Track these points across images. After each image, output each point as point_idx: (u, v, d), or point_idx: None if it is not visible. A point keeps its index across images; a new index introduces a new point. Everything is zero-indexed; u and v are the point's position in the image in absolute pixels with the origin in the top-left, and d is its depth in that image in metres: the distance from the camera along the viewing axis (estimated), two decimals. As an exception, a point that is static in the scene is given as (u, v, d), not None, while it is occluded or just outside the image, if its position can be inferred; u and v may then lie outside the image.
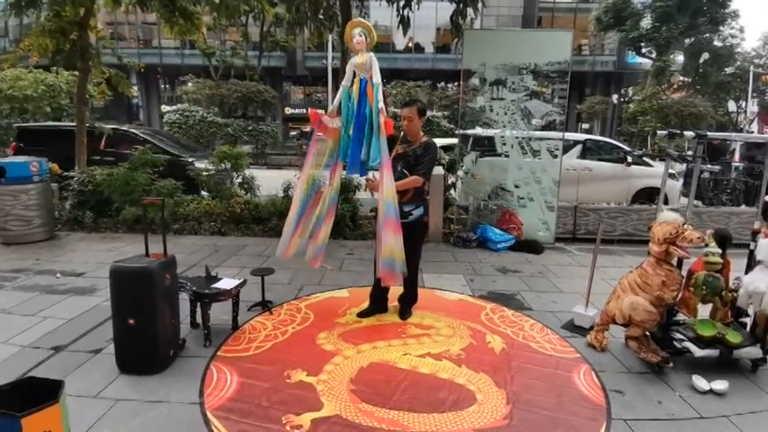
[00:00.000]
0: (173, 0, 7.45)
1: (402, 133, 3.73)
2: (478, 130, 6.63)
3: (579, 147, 8.60)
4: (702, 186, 9.17)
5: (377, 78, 3.44)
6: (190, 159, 8.23)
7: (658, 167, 8.20)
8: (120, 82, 8.53)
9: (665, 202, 5.14)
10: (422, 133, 3.72)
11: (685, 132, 3.47)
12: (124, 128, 9.45)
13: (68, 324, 3.51)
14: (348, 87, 3.57)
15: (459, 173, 6.86)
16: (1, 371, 2.78)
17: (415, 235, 3.74)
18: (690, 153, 3.51)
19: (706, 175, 9.08)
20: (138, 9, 7.67)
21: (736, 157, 11.08)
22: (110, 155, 8.17)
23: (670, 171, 3.95)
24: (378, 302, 3.86)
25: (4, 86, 16.12)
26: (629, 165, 8.29)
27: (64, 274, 4.65)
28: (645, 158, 8.75)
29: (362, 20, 3.60)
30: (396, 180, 3.55)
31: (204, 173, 7.28)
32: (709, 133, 3.49)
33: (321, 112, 3.87)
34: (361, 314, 3.82)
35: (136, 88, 29.30)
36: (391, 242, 3.34)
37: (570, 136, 8.50)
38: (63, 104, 17.38)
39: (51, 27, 7.14)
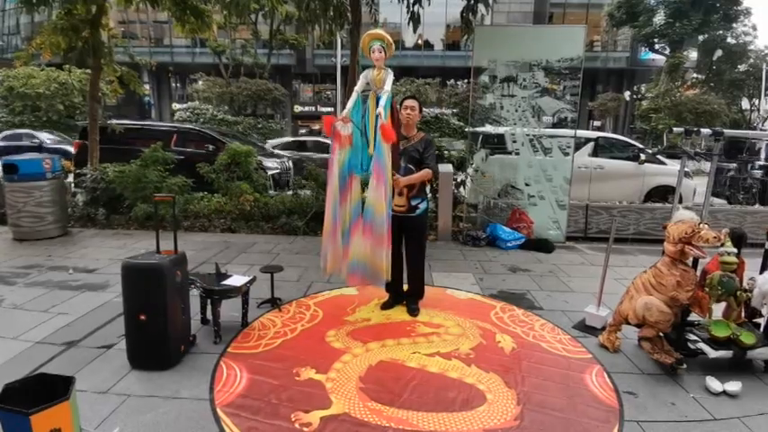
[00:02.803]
0: (184, -2, 7.48)
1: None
2: (488, 128, 6.58)
3: (591, 144, 8.51)
4: (718, 184, 9.04)
5: (386, 87, 3.45)
6: (258, 158, 8.07)
7: (672, 165, 8.09)
8: (131, 80, 8.58)
9: (680, 201, 5.06)
10: (416, 129, 3.73)
11: (702, 130, 3.42)
12: (197, 128, 9.77)
13: (80, 320, 3.54)
14: (360, 93, 3.55)
15: (469, 171, 6.81)
16: (13, 366, 2.81)
17: (420, 228, 3.77)
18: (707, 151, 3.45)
19: (731, 172, 8.95)
20: (150, 7, 7.71)
21: (762, 156, 10.79)
22: (179, 153, 7.83)
23: (685, 169, 3.87)
24: (397, 294, 3.88)
25: (17, 84, 16.32)
26: (642, 163, 8.19)
27: (76, 270, 4.70)
28: (659, 156, 8.64)
29: (383, 32, 3.54)
30: (402, 175, 3.58)
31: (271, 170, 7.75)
32: (725, 131, 3.44)
33: (334, 116, 3.77)
34: (384, 306, 3.86)
35: (147, 86, 29.56)
36: (361, 247, 3.39)
37: (582, 133, 8.41)
38: (75, 102, 17.51)
39: (63, 25, 7.20)
